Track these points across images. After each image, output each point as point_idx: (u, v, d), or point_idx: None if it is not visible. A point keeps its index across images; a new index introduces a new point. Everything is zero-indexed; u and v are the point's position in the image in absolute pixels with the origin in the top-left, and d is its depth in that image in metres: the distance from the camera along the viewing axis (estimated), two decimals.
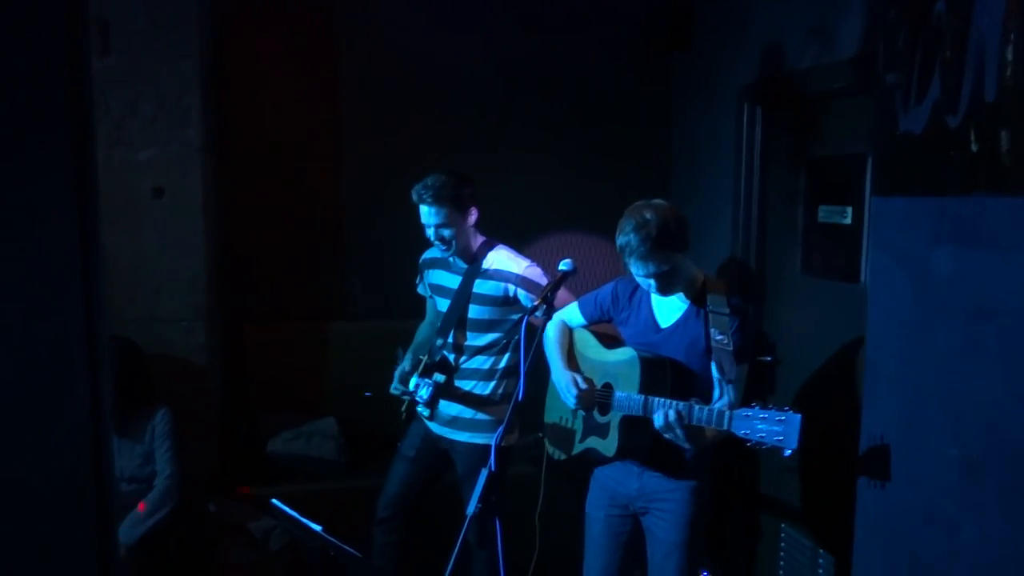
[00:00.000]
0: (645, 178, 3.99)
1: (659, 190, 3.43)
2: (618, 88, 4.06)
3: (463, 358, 2.88)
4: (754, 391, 3.32)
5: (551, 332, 2.66)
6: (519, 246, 2.97)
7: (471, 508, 2.15)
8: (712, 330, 2.26)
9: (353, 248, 3.94)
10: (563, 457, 2.56)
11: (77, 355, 1.06)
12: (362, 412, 3.65)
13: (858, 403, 2.20)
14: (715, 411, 2.08)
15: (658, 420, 2.18)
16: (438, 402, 2.89)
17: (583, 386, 2.43)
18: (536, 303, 2.36)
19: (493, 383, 2.86)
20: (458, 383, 2.89)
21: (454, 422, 2.89)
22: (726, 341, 2.24)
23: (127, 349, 3.10)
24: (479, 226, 2.88)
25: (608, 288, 2.55)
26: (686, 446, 2.23)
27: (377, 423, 3.57)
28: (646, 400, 2.23)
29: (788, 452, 1.92)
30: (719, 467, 2.54)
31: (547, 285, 2.42)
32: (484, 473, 2.15)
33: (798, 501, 3.18)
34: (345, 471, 3.59)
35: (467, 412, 2.88)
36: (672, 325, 2.38)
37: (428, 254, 3.04)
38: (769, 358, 3.32)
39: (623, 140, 4.06)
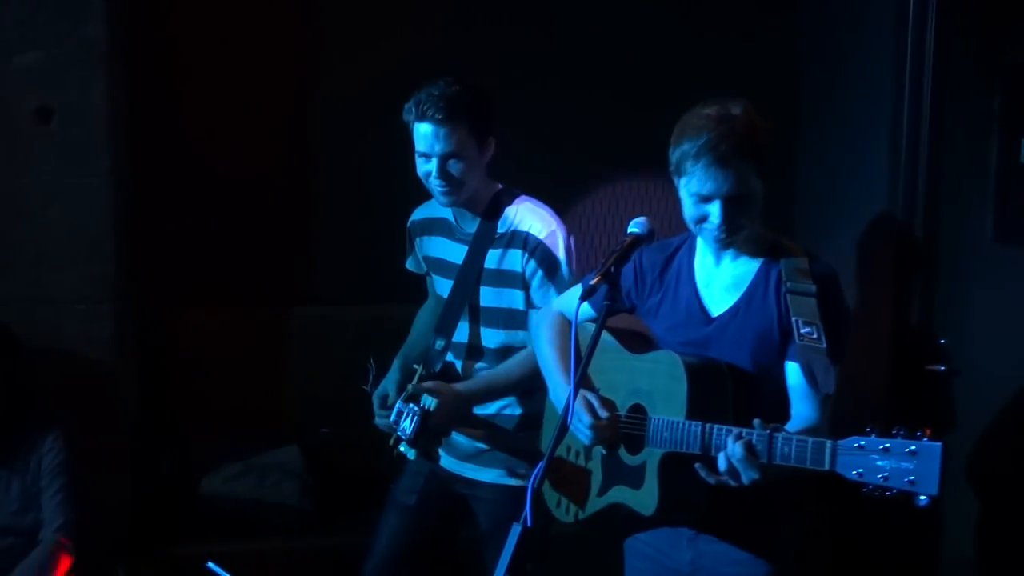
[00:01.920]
0: (760, 99, 3.92)
1: (782, 115, 3.41)
2: None
3: (480, 365, 2.88)
4: (919, 415, 3.33)
5: (543, 330, 2.63)
6: (579, 199, 2.94)
7: None
8: (795, 319, 2.20)
9: (324, 203, 3.96)
10: (574, 518, 2.55)
11: None
12: (338, 438, 3.67)
13: None
14: (809, 443, 2.00)
15: (722, 462, 2.10)
16: (433, 440, 2.86)
17: (601, 412, 2.38)
18: (594, 281, 2.25)
19: (530, 400, 2.85)
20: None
21: (477, 455, 2.90)
22: (816, 335, 2.18)
23: None
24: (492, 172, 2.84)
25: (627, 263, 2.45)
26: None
27: (359, 454, 3.53)
28: (704, 431, 2.16)
29: (925, 500, 1.87)
30: (814, 523, 2.52)
31: (611, 255, 2.35)
32: (516, 530, 2.10)
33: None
34: (313, 522, 3.62)
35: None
36: (728, 311, 2.33)
37: (420, 213, 3.04)
38: (943, 367, 3.29)
39: (730, 44, 4.03)
